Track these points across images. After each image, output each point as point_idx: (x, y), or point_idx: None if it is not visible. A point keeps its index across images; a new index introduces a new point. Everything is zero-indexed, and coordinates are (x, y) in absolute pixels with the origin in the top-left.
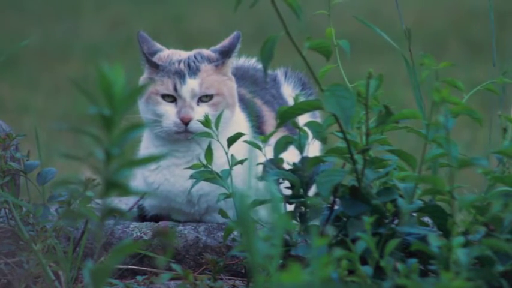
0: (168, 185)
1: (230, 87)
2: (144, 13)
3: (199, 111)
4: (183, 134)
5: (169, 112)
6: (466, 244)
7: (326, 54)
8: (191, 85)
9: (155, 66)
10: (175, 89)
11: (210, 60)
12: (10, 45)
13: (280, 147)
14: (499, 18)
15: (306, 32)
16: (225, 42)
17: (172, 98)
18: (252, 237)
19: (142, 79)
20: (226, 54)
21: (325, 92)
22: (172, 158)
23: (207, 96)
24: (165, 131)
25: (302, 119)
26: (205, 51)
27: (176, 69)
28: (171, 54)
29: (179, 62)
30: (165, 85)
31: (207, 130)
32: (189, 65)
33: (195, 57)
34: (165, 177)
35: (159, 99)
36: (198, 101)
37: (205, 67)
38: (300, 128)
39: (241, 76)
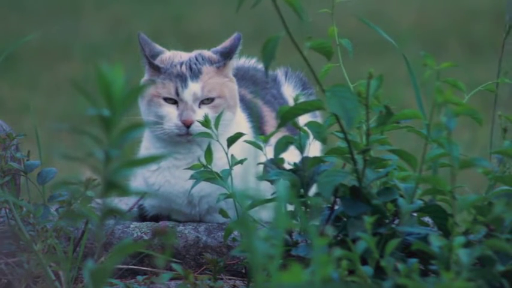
0: (169, 187)
1: (231, 88)
2: (144, 13)
3: (201, 114)
4: (184, 137)
5: (171, 114)
6: (467, 244)
7: (327, 55)
8: (193, 89)
9: (157, 69)
10: (177, 93)
11: (211, 62)
12: (10, 45)
13: (281, 147)
14: (499, 18)
15: (306, 32)
16: (226, 43)
17: (174, 100)
18: (252, 237)
19: (144, 81)
20: (227, 56)
21: (327, 92)
22: (173, 159)
23: (208, 99)
24: (167, 133)
25: (302, 119)
26: (206, 53)
27: (178, 72)
28: (172, 56)
29: (181, 64)
30: (166, 88)
31: (208, 131)
32: (190, 68)
33: (196, 59)
34: (165, 178)
35: (161, 101)
36: (199, 104)
37: (207, 69)
38: (300, 128)
39: (242, 76)
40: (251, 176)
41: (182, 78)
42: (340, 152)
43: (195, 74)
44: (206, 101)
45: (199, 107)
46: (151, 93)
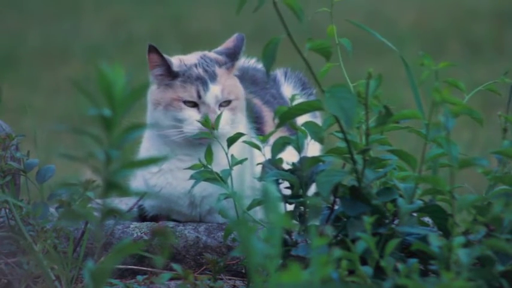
0: (170, 188)
1: (241, 89)
2: (144, 13)
3: (222, 116)
4: (204, 139)
5: (193, 117)
6: (467, 244)
7: (326, 55)
8: (214, 91)
9: (173, 75)
10: (199, 96)
11: (219, 64)
12: (10, 45)
13: (278, 148)
14: (499, 18)
15: (306, 32)
16: (229, 44)
17: (193, 103)
18: (250, 237)
19: (154, 90)
20: (234, 57)
21: (326, 93)
22: (177, 161)
23: (226, 101)
24: (187, 136)
25: (302, 119)
26: (211, 54)
27: (197, 75)
28: (183, 60)
29: (196, 67)
30: (188, 92)
31: (229, 131)
32: (205, 70)
33: (205, 61)
34: (167, 180)
35: (182, 105)
36: (218, 106)
37: (220, 71)
38: (298, 128)
39: (241, 76)
40: (249, 176)
41: (202, 81)
42: (339, 152)
43: (212, 77)
44: (224, 103)
45: (219, 109)
46: (170, 97)
